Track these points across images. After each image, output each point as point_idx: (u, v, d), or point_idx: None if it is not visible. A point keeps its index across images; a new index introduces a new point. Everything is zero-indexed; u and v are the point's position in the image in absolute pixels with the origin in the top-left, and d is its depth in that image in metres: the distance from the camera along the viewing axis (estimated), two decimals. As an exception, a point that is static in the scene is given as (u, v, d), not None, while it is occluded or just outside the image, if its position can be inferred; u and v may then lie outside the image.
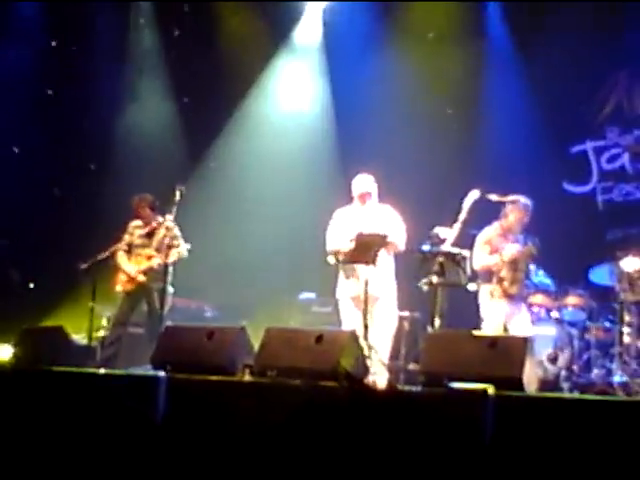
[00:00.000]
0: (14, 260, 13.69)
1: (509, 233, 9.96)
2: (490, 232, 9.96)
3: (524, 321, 9.90)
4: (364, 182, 9.61)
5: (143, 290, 10.70)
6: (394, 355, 10.68)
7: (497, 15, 14.00)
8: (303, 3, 14.82)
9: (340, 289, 9.44)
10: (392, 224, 9.46)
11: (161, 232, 10.65)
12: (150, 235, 10.82)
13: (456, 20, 13.83)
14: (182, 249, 10.49)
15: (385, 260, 9.32)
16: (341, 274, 9.43)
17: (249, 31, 14.66)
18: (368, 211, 9.57)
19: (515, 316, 9.82)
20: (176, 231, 10.50)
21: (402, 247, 9.48)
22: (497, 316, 9.73)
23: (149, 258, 10.70)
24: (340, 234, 9.36)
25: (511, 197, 9.79)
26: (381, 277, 9.32)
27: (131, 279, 10.70)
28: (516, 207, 9.90)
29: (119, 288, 10.78)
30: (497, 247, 9.86)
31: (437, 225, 9.37)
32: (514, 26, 13.75)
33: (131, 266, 10.74)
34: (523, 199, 9.89)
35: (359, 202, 9.60)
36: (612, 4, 12.86)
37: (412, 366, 10.53)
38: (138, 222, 10.92)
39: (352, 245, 9.08)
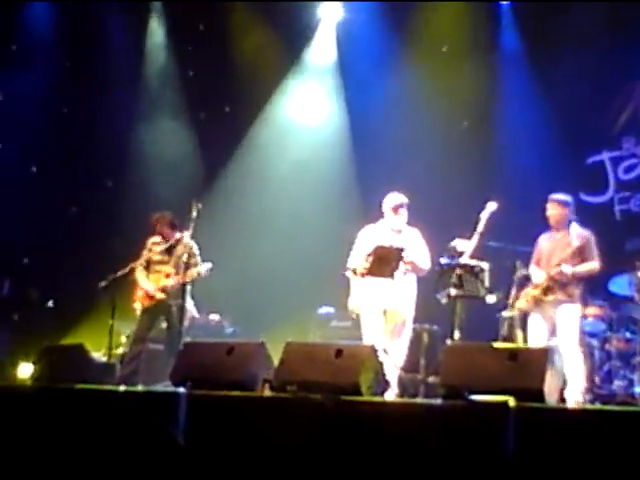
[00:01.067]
0: (34, 278, 13.72)
1: None
2: None
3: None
4: (399, 196, 9.67)
5: (161, 307, 10.72)
6: (413, 368, 10.66)
7: (511, 27, 14.01)
8: (317, 19, 14.84)
9: (364, 301, 9.45)
10: (417, 246, 9.53)
11: (180, 249, 10.68)
12: (169, 251, 10.84)
13: (470, 33, 13.85)
14: (202, 269, 10.48)
15: (409, 278, 9.38)
16: (360, 288, 9.43)
17: (263, 48, 14.72)
18: (395, 229, 9.62)
19: None
20: (195, 249, 10.52)
21: (426, 268, 9.52)
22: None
23: (167, 276, 10.71)
24: (363, 251, 9.42)
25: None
26: (404, 292, 9.35)
27: (149, 296, 10.72)
28: None
29: (137, 305, 10.79)
30: None
31: (455, 238, 9.37)
32: (528, 37, 13.76)
33: (149, 284, 10.76)
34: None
35: (392, 213, 9.62)
36: (627, 13, 12.84)
37: (432, 379, 10.49)
38: (156, 239, 10.94)
39: (370, 259, 9.09)
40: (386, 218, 9.73)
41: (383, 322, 9.14)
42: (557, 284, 9.56)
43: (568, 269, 9.52)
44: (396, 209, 9.66)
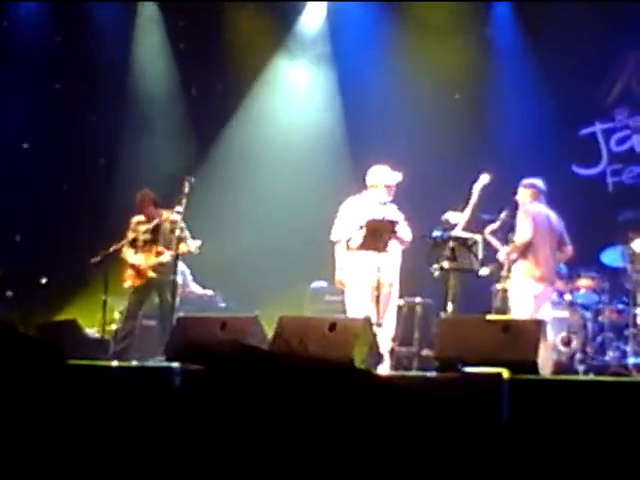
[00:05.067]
0: (26, 255, 13.69)
1: None
2: None
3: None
4: (397, 174, 9.56)
5: (153, 283, 10.70)
6: (407, 341, 10.67)
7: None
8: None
9: (352, 276, 9.39)
10: (399, 218, 9.47)
11: (166, 226, 10.64)
12: (155, 231, 10.80)
13: (461, 5, 13.78)
14: (191, 246, 10.43)
15: (395, 249, 9.32)
16: (353, 261, 9.39)
17: (255, 24, 14.65)
18: (378, 202, 9.54)
19: None
20: (182, 224, 10.44)
21: (409, 240, 9.48)
22: None
23: (158, 254, 10.68)
24: (350, 223, 9.34)
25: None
26: (392, 265, 9.31)
27: (139, 272, 10.68)
28: None
29: (128, 284, 10.76)
30: None
31: (448, 210, 9.35)
32: (520, 10, 13.71)
33: (138, 257, 10.72)
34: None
35: (385, 189, 9.52)
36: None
37: (426, 352, 10.51)
38: (140, 217, 10.89)
39: (362, 232, 9.05)
40: (373, 191, 9.60)
41: (371, 295, 9.07)
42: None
43: (501, 255, 9.61)
44: (391, 189, 9.55)
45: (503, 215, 9.66)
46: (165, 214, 10.64)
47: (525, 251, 9.52)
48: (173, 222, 10.41)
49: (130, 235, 10.79)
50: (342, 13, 14.59)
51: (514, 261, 9.53)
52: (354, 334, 7.23)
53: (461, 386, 6.21)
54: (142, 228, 10.81)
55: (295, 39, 14.90)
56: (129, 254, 10.76)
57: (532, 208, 9.67)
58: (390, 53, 13.98)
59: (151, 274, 10.64)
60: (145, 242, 10.79)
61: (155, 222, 10.76)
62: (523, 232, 9.52)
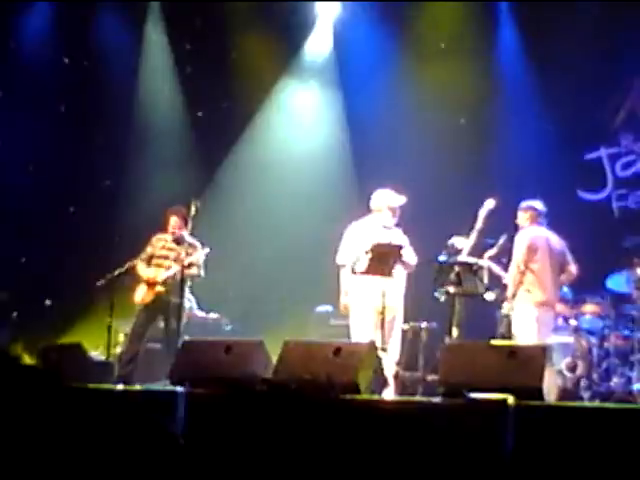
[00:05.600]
0: (31, 277, 13.70)
1: None
2: None
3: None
4: (400, 197, 9.60)
5: (160, 305, 10.71)
6: (412, 366, 10.65)
7: (508, 24, 13.99)
8: (314, 16, 14.82)
9: (357, 300, 9.40)
10: (405, 242, 9.50)
11: (184, 246, 10.69)
12: (174, 246, 10.85)
13: (468, 30, 13.82)
14: (199, 254, 10.56)
15: (400, 274, 9.35)
16: (358, 286, 9.39)
17: (261, 45, 14.69)
18: (383, 226, 9.58)
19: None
20: (198, 246, 10.56)
21: (414, 264, 9.50)
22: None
23: (167, 268, 10.73)
24: (355, 247, 9.37)
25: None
26: (397, 289, 9.33)
27: (150, 286, 10.70)
28: None
29: (138, 299, 10.78)
30: None
31: (453, 235, 9.36)
32: (526, 34, 13.73)
33: (150, 270, 10.76)
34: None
35: (389, 212, 9.56)
36: (625, 11, 12.82)
37: (430, 377, 10.48)
38: (163, 235, 10.95)
39: (368, 256, 9.06)
40: (377, 215, 9.64)
41: (376, 320, 9.09)
42: None
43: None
44: (395, 211, 9.60)
45: (502, 240, 9.64)
46: (186, 236, 10.70)
47: (523, 276, 9.51)
48: (192, 245, 10.52)
49: (148, 251, 10.84)
50: (349, 36, 14.63)
51: (517, 286, 9.50)
52: (359, 358, 7.22)
53: (466, 412, 6.20)
54: (160, 244, 10.86)
55: (302, 62, 14.95)
56: (142, 268, 10.79)
57: (529, 232, 9.67)
58: (396, 77, 14.00)
59: (160, 288, 10.66)
60: (160, 257, 10.84)
61: (176, 235, 10.79)
62: (516, 257, 9.55)
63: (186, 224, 10.83)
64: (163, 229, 11.00)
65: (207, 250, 10.64)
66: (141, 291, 10.79)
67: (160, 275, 10.72)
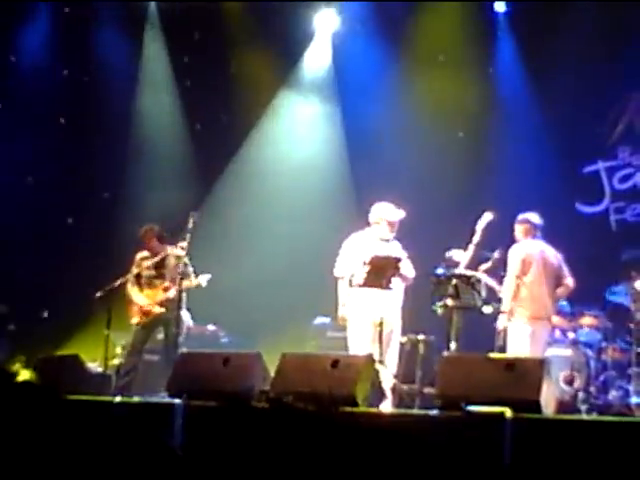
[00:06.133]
0: (29, 289, 13.70)
1: None
2: None
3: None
4: (399, 211, 9.63)
5: (159, 319, 10.69)
6: (410, 379, 10.65)
7: (507, 37, 14.04)
8: (312, 29, 14.86)
9: (355, 313, 9.41)
10: (403, 255, 9.51)
11: (171, 261, 10.67)
12: (160, 266, 10.80)
13: (466, 43, 13.85)
14: (201, 280, 10.54)
15: (398, 286, 9.36)
16: (356, 298, 9.40)
17: (260, 61, 14.72)
18: (382, 239, 9.60)
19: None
20: (186, 259, 10.49)
21: (412, 277, 9.52)
22: None
23: (165, 290, 10.68)
24: (353, 259, 9.38)
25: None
26: (395, 302, 9.34)
27: (146, 311, 10.67)
28: None
29: (135, 320, 10.74)
30: None
31: (451, 248, 9.37)
32: (524, 47, 13.78)
33: (142, 297, 10.72)
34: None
35: (388, 226, 9.59)
36: (623, 24, 12.86)
37: (428, 390, 10.48)
38: (145, 253, 10.89)
39: (366, 269, 9.07)
40: (376, 227, 9.66)
41: (373, 332, 9.11)
42: None
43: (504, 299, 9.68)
44: (394, 225, 9.62)
45: (496, 254, 9.63)
46: (169, 249, 10.67)
47: (518, 290, 9.51)
48: (177, 257, 10.46)
49: (134, 270, 10.79)
50: (347, 49, 14.67)
51: (512, 300, 9.49)
52: (357, 371, 7.21)
53: (463, 425, 6.19)
54: (146, 264, 10.81)
55: (300, 75, 14.98)
56: (134, 293, 10.73)
57: (522, 246, 9.67)
58: (394, 89, 14.03)
59: (158, 310, 10.64)
60: (149, 278, 10.79)
61: (159, 257, 10.77)
62: (509, 273, 9.56)
63: (161, 240, 10.81)
64: (142, 247, 10.97)
65: (209, 276, 10.61)
66: (137, 313, 10.74)
67: (158, 297, 10.68)
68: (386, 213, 9.63)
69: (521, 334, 9.38)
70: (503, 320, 9.47)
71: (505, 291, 9.51)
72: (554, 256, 9.75)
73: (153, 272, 10.79)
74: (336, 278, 9.58)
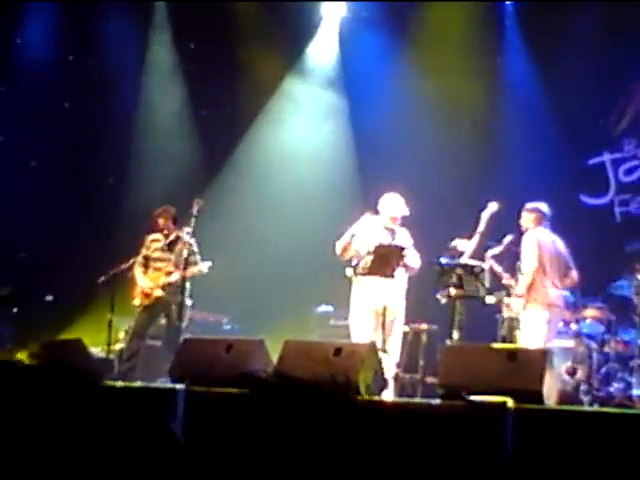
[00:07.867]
0: (33, 273, 13.71)
1: None
2: None
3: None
4: (402, 206, 9.62)
5: (161, 304, 10.70)
6: (412, 368, 10.65)
7: (513, 28, 14.01)
8: (319, 17, 14.83)
9: (358, 301, 9.41)
10: (409, 244, 9.50)
11: (179, 246, 10.66)
12: (169, 249, 10.80)
13: (472, 33, 13.82)
14: (202, 266, 10.52)
15: (401, 275, 9.35)
16: (359, 286, 9.40)
17: (266, 47, 14.68)
18: (389, 227, 9.60)
19: None
20: (194, 247, 10.50)
21: (417, 267, 9.50)
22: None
23: (168, 274, 10.68)
24: (360, 238, 9.39)
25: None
26: (398, 291, 9.34)
27: (147, 293, 10.68)
28: None
29: (137, 302, 10.76)
30: None
31: (455, 238, 9.36)
32: (530, 38, 13.75)
33: (146, 281, 10.72)
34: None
35: (390, 222, 9.60)
36: (629, 15, 12.82)
37: (430, 379, 10.49)
38: (156, 236, 10.89)
39: (370, 257, 9.07)
40: (382, 217, 9.67)
41: (376, 320, 9.10)
42: None
43: (520, 290, 9.61)
44: (396, 220, 9.62)
45: (507, 241, 9.61)
46: (181, 233, 10.65)
47: (534, 278, 9.47)
48: (187, 244, 10.44)
49: (143, 252, 10.80)
50: (353, 39, 14.64)
51: (529, 290, 9.45)
52: (359, 359, 7.22)
53: (465, 414, 6.20)
54: (155, 245, 10.82)
55: (307, 64, 14.96)
56: (138, 274, 10.74)
57: (537, 234, 9.63)
58: (401, 80, 14.02)
59: (159, 293, 10.64)
60: (156, 260, 10.79)
61: (171, 237, 10.76)
62: (530, 260, 9.48)
63: (175, 223, 10.81)
64: (153, 228, 10.96)
65: (209, 264, 10.60)
66: (139, 295, 10.75)
67: (160, 280, 10.68)
68: (389, 208, 9.63)
69: (538, 320, 9.33)
70: (518, 305, 9.44)
71: (525, 276, 9.44)
72: (563, 247, 9.74)
73: (160, 254, 10.78)
74: (339, 263, 9.57)
